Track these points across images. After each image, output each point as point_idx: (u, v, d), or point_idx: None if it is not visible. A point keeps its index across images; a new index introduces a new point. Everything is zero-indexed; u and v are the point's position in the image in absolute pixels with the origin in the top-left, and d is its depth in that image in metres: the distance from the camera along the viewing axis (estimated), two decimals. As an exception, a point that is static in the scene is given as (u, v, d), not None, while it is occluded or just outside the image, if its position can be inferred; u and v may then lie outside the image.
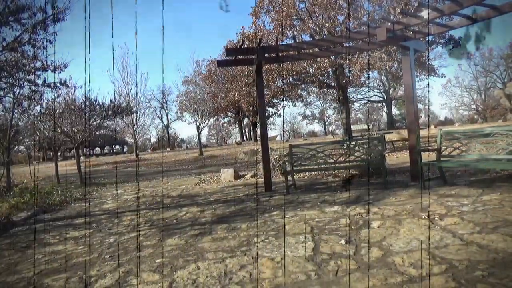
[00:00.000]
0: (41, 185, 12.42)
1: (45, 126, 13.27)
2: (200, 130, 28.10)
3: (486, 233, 3.34)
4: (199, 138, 30.07)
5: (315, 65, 16.80)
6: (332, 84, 19.79)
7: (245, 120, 49.42)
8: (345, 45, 7.91)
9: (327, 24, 14.59)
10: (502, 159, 5.18)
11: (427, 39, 15.55)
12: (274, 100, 39.78)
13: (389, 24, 6.59)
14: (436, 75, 21.32)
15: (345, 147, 7.61)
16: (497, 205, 4.25)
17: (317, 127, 71.65)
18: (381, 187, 6.29)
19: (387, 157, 9.80)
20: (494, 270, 2.57)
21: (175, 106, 47.42)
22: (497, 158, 5.26)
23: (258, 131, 9.03)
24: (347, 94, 19.75)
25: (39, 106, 12.06)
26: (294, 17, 16.91)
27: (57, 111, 12.82)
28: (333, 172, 8.52)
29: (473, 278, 2.49)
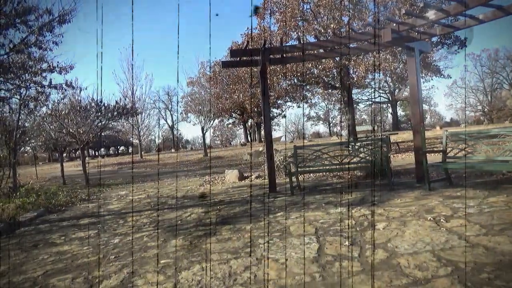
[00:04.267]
0: (46, 185, 12.51)
1: (51, 127, 13.37)
2: (204, 131, 28.17)
3: (492, 235, 3.31)
4: (204, 139, 30.15)
5: (320, 66, 16.79)
6: (337, 85, 19.76)
7: (250, 121, 49.46)
8: (350, 46, 7.89)
9: (332, 25, 14.58)
10: (508, 161, 5.14)
11: (432, 40, 15.49)
12: (279, 101, 39.81)
13: (394, 25, 6.57)
14: (442, 76, 21.16)
15: (350, 148, 7.59)
16: (503, 207, 4.21)
17: (321, 128, 71.55)
18: (386, 188, 6.27)
19: (392, 158, 9.75)
20: (500, 273, 2.55)
21: (180, 107, 47.63)
22: (504, 159, 5.22)
23: (263, 132, 9.06)
24: (352, 95, 19.70)
25: (45, 107, 12.18)
26: (299, 18, 16.92)
27: (63, 112, 12.91)
28: (338, 174, 8.49)
29: (479, 281, 2.47)
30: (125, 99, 21.70)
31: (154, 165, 23.58)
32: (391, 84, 45.37)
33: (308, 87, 22.40)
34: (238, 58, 8.04)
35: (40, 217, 6.90)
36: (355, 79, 18.02)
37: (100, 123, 14.24)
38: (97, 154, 55.52)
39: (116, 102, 14.87)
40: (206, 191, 8.48)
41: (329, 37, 14.01)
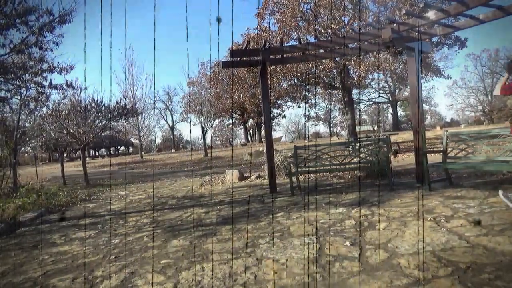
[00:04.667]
0: (47, 186, 12.51)
1: (51, 127, 13.37)
2: (205, 132, 28.15)
3: (492, 235, 3.31)
4: (204, 139, 30.13)
5: (320, 66, 16.78)
6: (337, 85, 19.76)
7: (250, 121, 49.46)
8: (350, 46, 7.89)
9: (332, 25, 14.58)
10: (509, 161, 5.13)
11: (432, 40, 15.49)
12: (279, 101, 39.83)
13: (394, 25, 6.57)
14: (442, 76, 21.14)
15: (350, 149, 7.59)
16: (503, 207, 4.21)
17: (322, 128, 71.55)
18: (386, 188, 6.26)
19: (392, 159, 9.74)
20: (500, 273, 2.55)
21: (180, 107, 47.71)
22: (504, 159, 5.21)
23: (263, 132, 9.06)
24: (352, 96, 19.72)
25: (45, 107, 12.18)
26: (299, 18, 16.92)
27: (63, 112, 12.92)
28: (338, 174, 8.49)
29: (480, 281, 2.47)
30: (125, 99, 21.68)
31: (155, 165, 23.58)
32: (391, 84, 45.41)
33: (308, 87, 22.41)
34: (239, 59, 8.04)
35: (40, 217, 6.90)
36: (355, 79, 18.03)
37: (100, 123, 14.25)
38: (97, 154, 55.53)
39: (117, 102, 14.89)
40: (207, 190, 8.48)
41: (329, 38, 14.01)
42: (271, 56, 7.97)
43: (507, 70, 4.57)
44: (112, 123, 15.78)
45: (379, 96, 50.45)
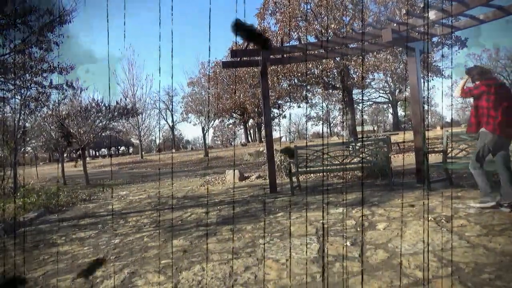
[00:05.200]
0: (47, 186, 12.51)
1: (51, 127, 13.37)
2: (205, 132, 28.15)
3: (493, 235, 3.31)
4: (204, 140, 30.13)
5: (320, 67, 16.78)
6: (337, 86, 19.74)
7: (250, 121, 49.45)
8: (350, 46, 7.89)
9: (332, 25, 14.56)
10: (509, 161, 5.12)
11: (433, 40, 15.48)
12: (279, 101, 39.80)
13: (395, 25, 6.57)
14: (442, 76, 21.10)
15: (350, 149, 7.58)
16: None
17: (322, 128, 71.44)
18: (386, 188, 6.26)
19: (393, 159, 9.74)
20: (501, 273, 2.55)
21: (181, 107, 47.72)
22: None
23: (263, 132, 9.08)
24: (352, 96, 19.69)
25: (46, 107, 12.19)
26: (299, 18, 16.91)
27: (64, 112, 12.92)
28: (338, 174, 8.49)
29: (480, 281, 2.46)
30: (125, 99, 21.68)
31: (155, 165, 23.59)
32: (391, 84, 45.36)
33: (308, 87, 22.39)
34: (239, 59, 8.04)
35: (40, 217, 6.90)
36: (356, 79, 18.01)
37: (100, 124, 14.26)
38: (97, 154, 55.56)
39: (117, 102, 14.91)
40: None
41: (329, 38, 14.00)
42: (271, 56, 7.97)
43: (466, 73, 4.65)
44: (113, 123, 15.78)
45: (379, 96, 50.50)
